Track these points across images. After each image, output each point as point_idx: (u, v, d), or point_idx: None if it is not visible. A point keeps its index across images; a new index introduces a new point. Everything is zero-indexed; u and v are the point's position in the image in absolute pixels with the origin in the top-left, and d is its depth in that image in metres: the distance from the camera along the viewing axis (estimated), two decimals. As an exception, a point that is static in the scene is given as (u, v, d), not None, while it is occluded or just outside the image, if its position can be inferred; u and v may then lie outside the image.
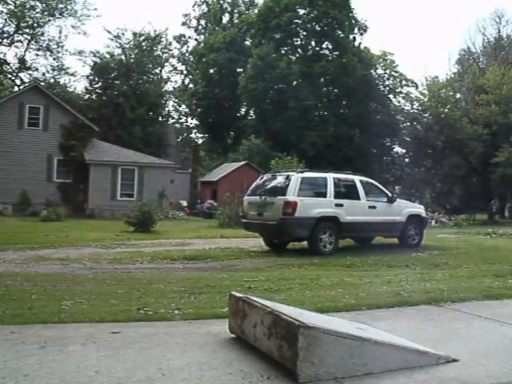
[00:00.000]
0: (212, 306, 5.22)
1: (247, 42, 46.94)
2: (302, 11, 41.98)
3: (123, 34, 47.08)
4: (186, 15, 56.23)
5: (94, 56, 39.64)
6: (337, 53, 41.30)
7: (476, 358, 3.57)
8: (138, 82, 38.51)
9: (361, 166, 28.32)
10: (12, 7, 39.14)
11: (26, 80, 41.25)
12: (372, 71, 43.77)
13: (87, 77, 38.43)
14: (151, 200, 20.80)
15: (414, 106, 39.21)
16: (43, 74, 42.76)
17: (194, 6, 56.11)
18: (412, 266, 9.32)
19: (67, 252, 10.74)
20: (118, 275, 7.68)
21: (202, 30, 56.46)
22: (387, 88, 45.06)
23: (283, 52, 42.16)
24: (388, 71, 45.45)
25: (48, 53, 42.13)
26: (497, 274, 7.92)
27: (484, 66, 41.89)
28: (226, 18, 54.78)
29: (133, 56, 44.83)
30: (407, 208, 13.16)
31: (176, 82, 59.20)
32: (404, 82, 44.91)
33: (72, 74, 44.63)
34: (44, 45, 41.87)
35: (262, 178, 13.01)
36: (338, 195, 11.74)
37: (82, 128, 27.52)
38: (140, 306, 5.10)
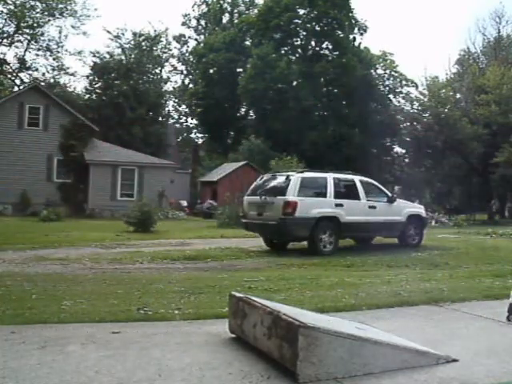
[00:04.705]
0: (212, 306, 5.22)
1: (247, 42, 46.93)
2: (301, 11, 42.00)
3: (123, 34, 47.16)
4: (185, 15, 56.31)
5: (94, 56, 39.70)
6: (337, 53, 41.31)
7: (476, 358, 3.57)
8: (137, 82, 38.53)
9: (361, 166, 28.26)
10: (12, 7, 39.14)
11: (26, 80, 41.28)
12: (372, 71, 43.79)
13: (87, 77, 38.52)
14: (151, 200, 20.81)
15: (414, 106, 39.24)
16: (43, 74, 42.79)
17: (193, 6, 56.20)
18: (412, 265, 9.32)
19: (67, 252, 10.74)
20: (117, 275, 7.68)
21: (202, 30, 56.47)
22: (387, 88, 45.08)
23: (283, 52, 42.17)
24: (388, 71, 45.48)
25: (48, 53, 42.15)
26: (497, 274, 7.92)
27: (484, 66, 41.89)
28: (225, 18, 54.79)
29: (133, 56, 44.83)
30: (407, 208, 13.16)
31: (176, 82, 59.21)
32: (404, 82, 44.94)
33: (72, 74, 44.70)
34: (44, 45, 41.89)
35: (261, 177, 13.00)
36: (337, 195, 11.73)
37: (82, 128, 27.52)
38: (140, 306, 5.10)
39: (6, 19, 39.76)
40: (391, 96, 44.86)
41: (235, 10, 54.49)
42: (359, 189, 12.15)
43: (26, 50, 41.74)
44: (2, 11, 39.05)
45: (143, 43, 47.66)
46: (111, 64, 37.61)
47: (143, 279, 7.26)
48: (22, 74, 43.19)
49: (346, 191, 12.15)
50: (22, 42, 41.52)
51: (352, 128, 39.40)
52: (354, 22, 42.85)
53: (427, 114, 36.58)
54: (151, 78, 45.45)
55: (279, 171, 14.71)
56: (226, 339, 3.98)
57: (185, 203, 32.94)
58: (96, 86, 37.12)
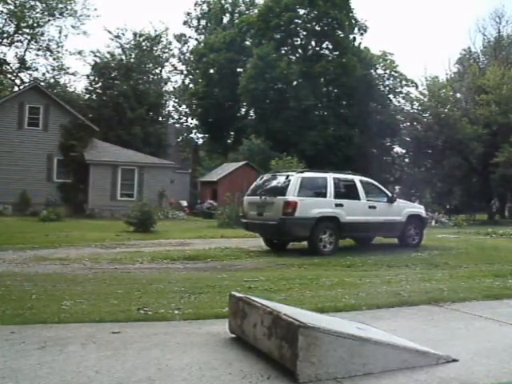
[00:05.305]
0: (212, 306, 5.22)
1: (247, 42, 46.95)
2: (302, 11, 42.02)
3: (123, 34, 47.26)
4: (188, 14, 56.30)
5: (95, 56, 39.75)
6: (337, 53, 41.34)
7: (476, 358, 3.57)
8: (137, 81, 38.53)
9: (361, 166, 28.29)
10: (12, 7, 39.16)
11: (26, 80, 41.30)
12: (372, 71, 43.82)
13: (87, 77, 38.52)
14: (151, 200, 20.82)
15: (414, 106, 39.25)
16: (43, 74, 42.84)
17: (195, 6, 56.24)
18: (412, 265, 9.33)
19: (67, 252, 10.74)
20: (117, 275, 7.68)
21: (203, 30, 56.48)
22: (387, 88, 45.09)
23: (283, 52, 42.19)
24: (388, 71, 45.49)
25: (48, 53, 42.19)
26: (497, 274, 7.92)
27: (484, 66, 41.90)
28: (226, 18, 54.82)
29: (133, 56, 44.85)
30: (407, 208, 13.16)
31: (176, 82, 59.25)
32: (404, 82, 44.95)
33: (72, 74, 44.77)
34: (44, 45, 41.93)
35: (261, 177, 13.00)
36: (337, 195, 11.73)
37: (82, 128, 27.53)
38: (140, 306, 5.10)
39: (6, 19, 39.83)
40: (391, 96, 44.88)
41: (236, 10, 54.50)
42: (359, 189, 12.15)
43: (25, 50, 41.83)
44: (2, 11, 39.13)
45: (143, 43, 47.69)
46: (111, 64, 37.62)
47: (143, 279, 7.26)
48: (22, 74, 43.30)
49: (346, 191, 12.15)
50: (22, 42, 41.60)
51: (352, 128, 39.42)
52: (354, 21, 42.87)
53: (427, 114, 36.60)
54: (151, 78, 45.47)
55: (279, 171, 14.71)
56: (226, 339, 3.98)
57: (185, 203, 32.94)
58: (96, 86, 37.12)
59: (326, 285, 6.80)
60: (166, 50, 53.02)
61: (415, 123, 37.29)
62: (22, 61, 41.97)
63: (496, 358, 3.60)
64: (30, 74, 42.52)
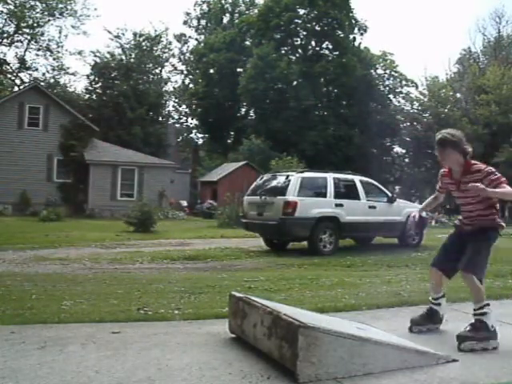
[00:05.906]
0: (212, 306, 5.21)
1: (247, 42, 46.98)
2: (302, 11, 42.07)
3: (123, 34, 47.30)
4: (188, 14, 56.31)
5: (95, 56, 39.78)
6: (337, 53, 41.38)
7: (476, 358, 3.57)
8: (137, 81, 38.55)
9: (361, 166, 28.29)
10: (12, 7, 39.17)
11: (26, 80, 41.31)
12: (372, 71, 43.85)
13: (87, 77, 38.54)
14: (151, 200, 20.82)
15: (414, 106, 39.27)
16: (43, 74, 42.86)
17: (195, 6, 56.29)
18: (412, 265, 9.32)
19: (67, 252, 10.74)
20: (117, 275, 7.68)
21: (203, 30, 56.49)
22: (387, 88, 45.12)
23: (283, 52, 42.23)
24: (388, 71, 45.52)
25: (48, 53, 42.21)
26: (497, 273, 7.91)
27: (484, 66, 41.92)
28: (226, 18, 54.83)
29: (133, 56, 44.85)
30: (407, 208, 13.12)
31: (176, 81, 59.24)
32: (404, 82, 44.98)
33: (72, 74, 44.80)
34: (44, 45, 41.96)
35: (261, 177, 13.01)
36: (337, 195, 11.74)
37: (82, 128, 27.53)
38: (140, 306, 5.10)
39: (6, 19, 39.84)
40: (391, 96, 44.91)
41: (236, 10, 54.51)
42: (359, 189, 12.16)
43: (25, 50, 41.85)
44: (2, 11, 39.13)
45: (143, 43, 47.70)
46: (111, 64, 37.64)
47: (143, 279, 7.26)
48: (22, 74, 43.31)
49: (346, 191, 12.15)
50: (22, 42, 41.62)
51: (352, 128, 39.43)
52: (354, 21, 42.93)
53: (427, 114, 36.66)
54: (151, 78, 45.48)
55: (279, 171, 14.71)
56: (226, 339, 3.97)
57: (185, 203, 32.94)
58: (96, 86, 37.15)
59: (326, 285, 6.80)
60: (166, 50, 53.06)
61: (415, 123, 37.33)
62: (22, 61, 41.99)
63: (496, 357, 3.60)
64: (30, 74, 42.59)
